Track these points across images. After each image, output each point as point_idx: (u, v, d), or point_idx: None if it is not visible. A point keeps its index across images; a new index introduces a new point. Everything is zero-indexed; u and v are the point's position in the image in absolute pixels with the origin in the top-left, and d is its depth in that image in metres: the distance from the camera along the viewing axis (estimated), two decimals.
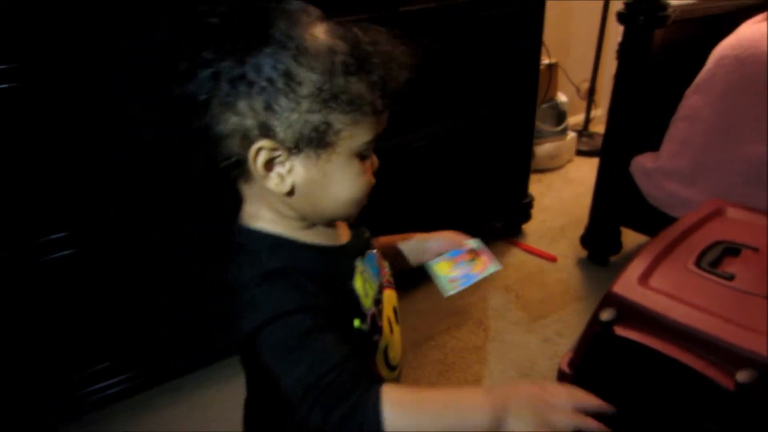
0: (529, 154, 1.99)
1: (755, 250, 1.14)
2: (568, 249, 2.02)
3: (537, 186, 2.42)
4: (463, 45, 1.60)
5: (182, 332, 1.37)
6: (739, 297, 1.03)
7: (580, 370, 1.15)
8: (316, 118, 0.53)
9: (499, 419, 0.50)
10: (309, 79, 0.52)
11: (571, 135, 2.71)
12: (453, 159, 1.74)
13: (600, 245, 1.92)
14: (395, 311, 0.73)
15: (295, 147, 0.54)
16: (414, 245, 0.84)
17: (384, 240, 0.82)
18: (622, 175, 1.76)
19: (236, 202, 0.65)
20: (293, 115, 0.53)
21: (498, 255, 2.01)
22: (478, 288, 1.81)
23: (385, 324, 0.68)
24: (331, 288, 0.59)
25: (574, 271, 1.92)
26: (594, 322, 1.10)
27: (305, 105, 0.52)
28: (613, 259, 1.93)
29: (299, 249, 0.61)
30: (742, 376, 0.91)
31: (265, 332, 0.53)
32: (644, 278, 1.08)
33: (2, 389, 1.20)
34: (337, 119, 0.54)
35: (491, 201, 1.96)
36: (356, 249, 0.69)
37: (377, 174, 0.65)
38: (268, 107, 0.52)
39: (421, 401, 0.52)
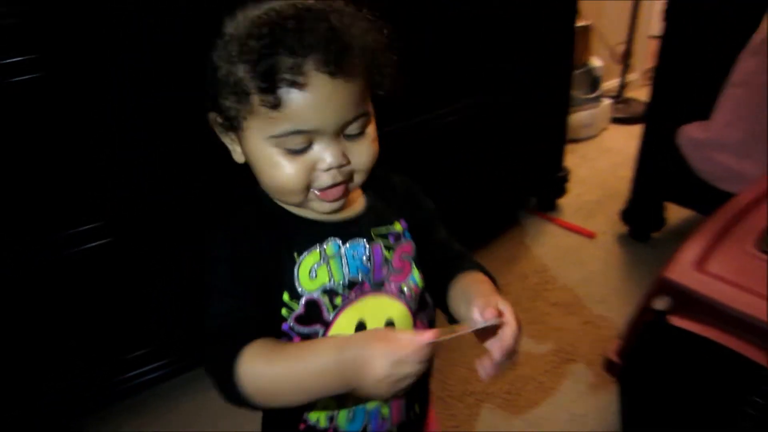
0: (564, 124, 1.90)
1: None
2: (606, 224, 1.93)
3: (571, 157, 2.31)
4: (494, 11, 1.50)
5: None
6: None
7: (631, 360, 1.09)
8: (223, 101, 0.56)
9: (350, 384, 0.51)
10: (215, 65, 0.55)
11: (606, 102, 2.59)
12: (485, 132, 1.66)
13: (642, 221, 1.83)
14: (391, 325, 0.64)
15: (227, 122, 0.58)
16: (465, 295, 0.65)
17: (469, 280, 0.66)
18: (667, 146, 1.65)
19: None
20: (218, 97, 0.56)
21: (533, 231, 1.96)
22: (514, 267, 1.75)
23: (349, 326, 0.62)
24: (271, 249, 0.60)
25: (613, 249, 1.84)
26: (646, 311, 1.04)
27: (218, 88, 0.56)
28: (656, 235, 1.85)
29: (261, 207, 0.63)
30: None
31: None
32: (701, 263, 1.01)
33: (41, 375, 1.19)
34: (233, 106, 0.55)
35: (525, 175, 1.88)
36: (342, 231, 0.63)
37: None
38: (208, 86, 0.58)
39: (275, 354, 0.53)
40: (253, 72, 0.51)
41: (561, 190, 2.00)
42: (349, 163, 0.57)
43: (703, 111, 1.57)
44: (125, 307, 1.24)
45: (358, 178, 0.60)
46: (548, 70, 1.73)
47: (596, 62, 2.51)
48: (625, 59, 2.73)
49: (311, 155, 0.56)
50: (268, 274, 0.59)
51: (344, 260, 0.62)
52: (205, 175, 1.19)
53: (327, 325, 0.61)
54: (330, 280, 0.61)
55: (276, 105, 0.52)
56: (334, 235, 0.62)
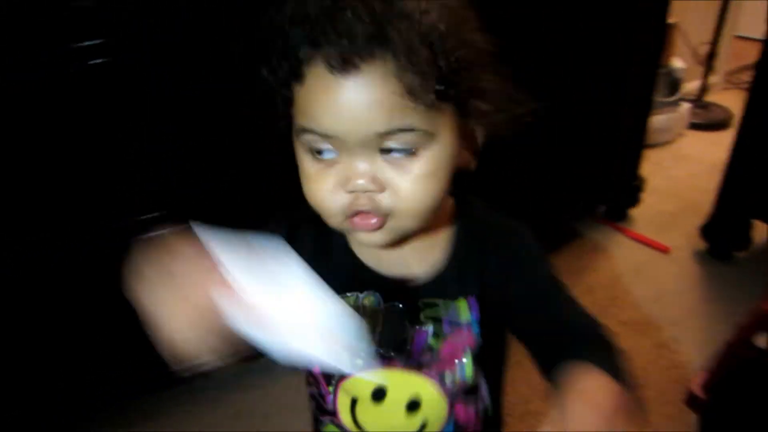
0: (644, 128, 1.76)
1: None
2: (682, 239, 1.80)
3: (644, 164, 2.18)
4: (576, 4, 1.40)
5: None
6: None
7: (719, 397, 0.99)
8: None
9: None
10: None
11: (685, 106, 2.42)
12: (559, 134, 1.56)
13: (724, 238, 1.69)
14: (416, 404, 0.56)
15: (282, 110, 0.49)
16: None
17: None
18: (761, 158, 1.51)
19: None
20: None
21: (601, 242, 1.85)
22: (580, 279, 1.65)
23: (366, 387, 0.56)
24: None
25: (689, 266, 1.70)
26: (742, 345, 0.93)
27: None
28: (739, 255, 1.70)
29: (320, 227, 0.51)
30: None
31: None
32: None
33: (100, 360, 1.19)
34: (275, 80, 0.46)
35: (597, 180, 1.76)
36: (389, 288, 0.53)
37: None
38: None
39: None
40: (266, 57, 0.45)
41: (634, 199, 1.88)
42: (382, 190, 0.44)
43: None
44: None
45: (399, 222, 0.46)
46: (633, 69, 1.61)
47: (677, 63, 2.34)
48: (709, 60, 2.54)
49: (339, 168, 0.45)
50: None
51: (380, 325, 0.53)
52: (234, 169, 1.16)
53: (340, 378, 0.57)
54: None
55: (287, 96, 0.45)
56: (380, 288, 0.53)
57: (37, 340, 1.12)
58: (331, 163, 0.45)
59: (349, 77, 0.41)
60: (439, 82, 0.41)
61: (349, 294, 0.53)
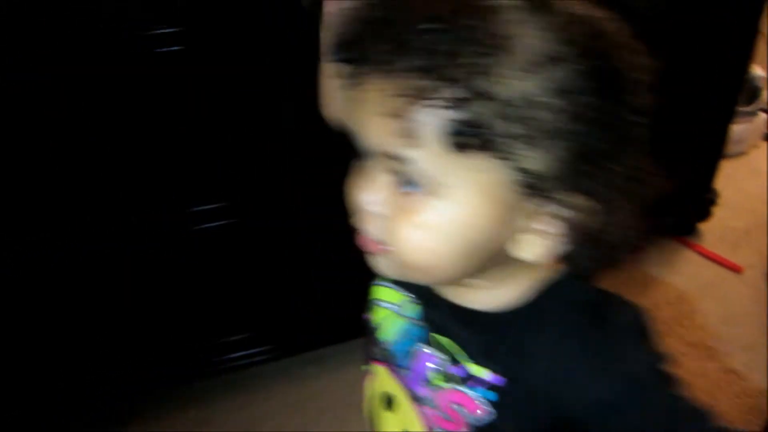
0: (723, 138, 1.67)
1: None
2: (755, 258, 1.70)
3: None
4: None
5: (330, 304, 1.31)
6: None
7: None
8: None
9: None
10: None
11: (762, 116, 2.29)
12: None
13: None
14: (388, 400, 0.53)
15: None
16: None
17: None
18: None
19: None
20: None
21: (667, 256, 1.76)
22: (644, 294, 1.58)
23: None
24: None
25: (763, 287, 1.61)
26: None
27: None
28: None
29: None
30: None
31: None
32: None
33: (143, 348, 1.20)
34: None
35: (667, 192, 1.68)
36: (421, 293, 0.49)
37: None
38: None
39: None
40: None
41: (705, 213, 1.78)
42: (386, 217, 0.40)
43: None
44: (234, 291, 1.22)
45: (399, 262, 0.41)
46: (718, 75, 1.52)
47: (758, 71, 2.21)
48: None
49: (364, 173, 0.42)
50: None
51: (402, 331, 0.51)
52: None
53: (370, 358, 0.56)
54: (376, 328, 0.54)
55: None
56: (420, 300, 0.50)
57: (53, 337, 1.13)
58: (363, 164, 0.42)
59: (361, 83, 0.38)
60: (467, 125, 0.34)
61: (405, 292, 0.51)
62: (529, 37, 0.34)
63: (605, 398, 0.41)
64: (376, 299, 0.53)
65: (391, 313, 0.52)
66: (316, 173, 1.14)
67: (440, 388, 0.46)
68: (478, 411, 0.44)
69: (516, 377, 0.43)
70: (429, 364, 0.47)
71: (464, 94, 0.33)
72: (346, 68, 0.38)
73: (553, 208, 0.38)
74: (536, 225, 0.39)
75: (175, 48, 0.93)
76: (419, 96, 0.34)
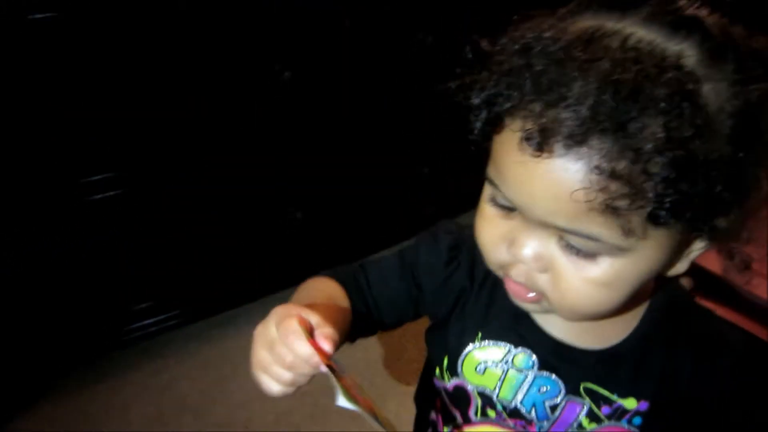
0: None
1: None
2: None
3: None
4: None
5: (234, 267, 1.36)
6: None
7: None
8: None
9: None
10: None
11: None
12: None
13: None
14: None
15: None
16: None
17: None
18: None
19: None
20: None
21: None
22: None
23: None
24: (455, 302, 0.50)
25: None
26: None
27: None
28: None
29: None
30: None
31: None
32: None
33: (44, 325, 1.21)
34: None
35: None
36: (547, 351, 0.47)
37: None
38: None
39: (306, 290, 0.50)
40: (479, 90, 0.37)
41: None
42: (543, 271, 0.38)
43: None
44: (136, 259, 1.25)
45: (560, 312, 0.41)
46: None
47: None
48: None
49: (513, 225, 0.39)
50: (433, 314, 0.52)
51: (527, 385, 0.47)
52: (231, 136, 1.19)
53: (466, 422, 0.51)
54: (494, 391, 0.48)
55: (478, 136, 0.38)
56: (537, 351, 0.47)
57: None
58: (508, 214, 0.39)
59: (541, 158, 0.33)
60: (666, 206, 0.32)
61: (501, 344, 0.48)
62: (716, 96, 0.32)
63: (739, 390, 0.45)
64: (480, 363, 0.49)
65: (510, 373, 0.48)
66: (209, 138, 1.19)
67: (590, 430, 0.47)
68: None
69: (656, 397, 0.45)
70: (581, 413, 0.46)
71: (666, 173, 0.31)
72: (532, 137, 0.33)
73: (709, 230, 0.36)
74: (694, 247, 0.39)
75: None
76: (615, 177, 0.31)
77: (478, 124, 0.37)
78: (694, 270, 1.03)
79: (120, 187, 1.13)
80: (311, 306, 0.41)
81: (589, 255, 0.36)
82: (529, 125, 0.33)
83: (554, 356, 0.46)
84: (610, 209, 0.32)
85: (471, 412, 0.50)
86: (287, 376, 0.37)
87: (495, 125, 0.36)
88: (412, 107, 1.41)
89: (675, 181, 0.31)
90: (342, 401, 0.36)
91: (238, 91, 1.19)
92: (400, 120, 1.43)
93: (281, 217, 1.37)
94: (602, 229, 0.34)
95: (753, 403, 0.45)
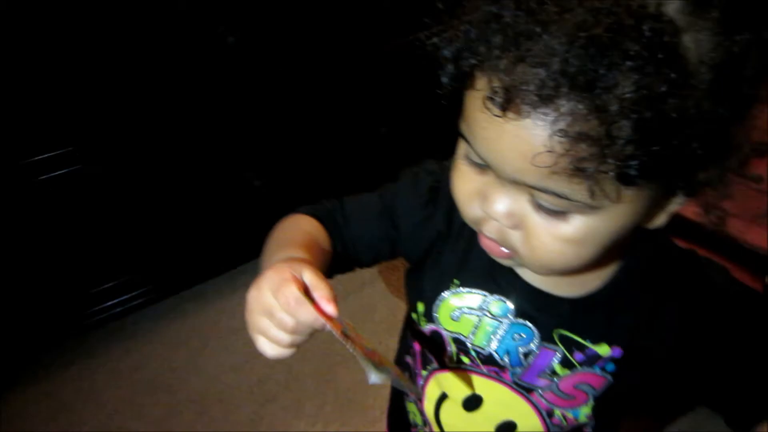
0: None
1: None
2: None
3: None
4: None
5: (199, 241, 1.35)
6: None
7: None
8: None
9: None
10: None
11: None
12: None
13: None
14: (508, 429, 0.53)
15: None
16: None
17: None
18: None
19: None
20: None
21: None
22: None
23: (459, 391, 0.53)
24: (434, 245, 0.49)
25: None
26: None
27: None
28: None
29: None
30: None
31: None
32: None
33: (10, 308, 1.18)
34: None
35: None
36: (524, 299, 0.47)
37: None
38: None
39: (283, 230, 0.49)
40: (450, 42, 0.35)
41: None
42: (514, 228, 0.38)
43: None
44: (95, 239, 1.22)
45: (533, 268, 0.41)
46: None
47: None
48: None
49: (486, 181, 0.39)
50: (408, 254, 0.52)
51: (500, 333, 0.48)
52: (181, 104, 1.15)
53: (441, 367, 0.52)
54: (468, 337, 0.49)
55: (449, 86, 0.36)
56: (513, 298, 0.47)
57: None
58: (481, 171, 0.39)
59: (507, 119, 0.32)
60: (634, 169, 0.31)
61: (477, 291, 0.48)
62: (696, 47, 0.30)
63: (727, 349, 0.46)
64: (455, 309, 0.49)
65: (485, 320, 0.48)
66: (156, 106, 1.15)
67: (564, 376, 0.47)
68: (601, 383, 0.48)
69: (630, 343, 0.46)
70: (554, 359, 0.47)
71: (634, 135, 0.29)
72: (496, 97, 0.31)
73: (688, 186, 0.36)
74: (672, 202, 0.38)
75: None
76: (582, 138, 0.30)
77: (446, 80, 0.35)
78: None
79: (71, 164, 1.10)
80: (300, 259, 0.40)
81: (561, 213, 0.35)
82: (495, 83, 0.32)
83: (530, 304, 0.47)
84: (577, 171, 0.31)
85: (446, 358, 0.52)
86: (287, 339, 0.37)
87: (463, 81, 0.35)
88: (367, 67, 1.39)
89: (643, 142, 0.29)
90: (372, 378, 0.36)
91: (184, 57, 1.15)
92: (356, 80, 1.41)
93: (239, 185, 1.35)
94: (571, 189, 0.33)
95: (743, 343, 0.45)
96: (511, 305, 0.47)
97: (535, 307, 0.47)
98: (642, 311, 0.46)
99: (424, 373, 0.55)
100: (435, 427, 0.57)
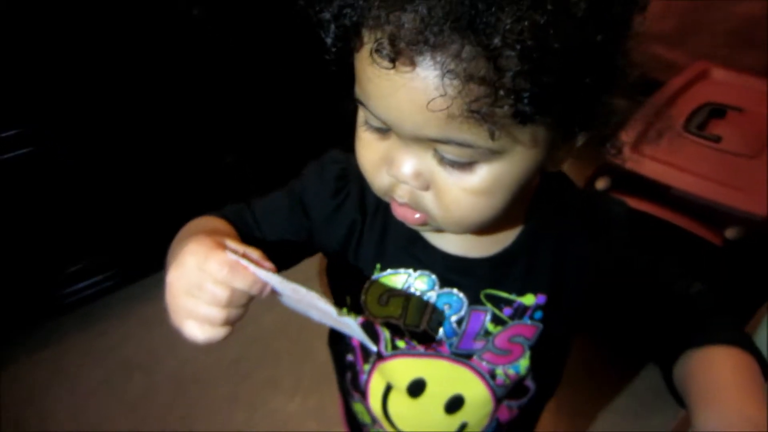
0: None
1: (740, 110, 1.15)
2: None
3: None
4: None
5: (166, 223, 1.33)
6: (727, 158, 1.05)
7: None
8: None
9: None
10: None
11: None
12: None
13: None
14: (457, 403, 0.53)
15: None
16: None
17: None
18: None
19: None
20: None
21: None
22: None
23: (404, 376, 0.52)
24: (350, 234, 0.48)
25: None
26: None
27: None
28: None
29: None
30: (730, 233, 0.94)
31: None
32: (636, 145, 1.09)
33: None
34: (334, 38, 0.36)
35: None
36: (449, 267, 0.47)
37: None
38: None
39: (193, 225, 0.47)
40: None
41: None
42: (425, 189, 0.38)
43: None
44: (62, 221, 1.20)
45: (446, 227, 0.40)
46: None
47: None
48: None
49: (389, 145, 0.38)
50: (325, 248, 0.50)
51: (430, 306, 0.48)
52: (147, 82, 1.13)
53: (379, 358, 0.52)
54: (400, 318, 0.49)
55: (333, 53, 0.35)
56: (436, 270, 0.47)
57: None
58: (384, 135, 0.38)
59: (396, 70, 0.32)
60: (526, 101, 0.30)
61: (401, 270, 0.48)
62: None
63: (635, 278, 0.47)
64: (382, 294, 0.49)
65: (413, 297, 0.48)
66: (123, 83, 1.13)
67: (497, 333, 0.48)
68: (533, 332, 0.48)
69: (552, 288, 0.47)
70: (485, 319, 0.47)
71: (520, 67, 0.29)
72: (382, 49, 0.31)
73: (583, 120, 0.36)
74: (570, 144, 0.39)
75: None
76: (473, 79, 0.30)
77: (330, 41, 0.34)
78: (611, 170, 1.12)
79: (31, 144, 1.07)
80: (215, 234, 0.38)
81: (466, 165, 0.35)
82: (379, 35, 0.31)
83: (451, 271, 0.47)
84: (473, 113, 0.31)
85: (382, 347, 0.51)
86: (221, 315, 0.35)
87: (347, 41, 0.34)
88: None
89: (531, 73, 0.29)
90: (336, 316, 0.35)
91: (147, 31, 1.12)
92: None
93: (209, 165, 1.34)
94: (471, 135, 0.33)
95: (647, 267, 0.47)
96: (434, 276, 0.47)
97: (457, 273, 0.47)
98: (557, 255, 0.47)
99: (366, 368, 0.54)
100: (385, 423, 0.56)
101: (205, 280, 0.34)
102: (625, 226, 0.48)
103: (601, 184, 1.08)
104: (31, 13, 0.99)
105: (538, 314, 0.48)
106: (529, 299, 0.47)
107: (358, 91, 0.37)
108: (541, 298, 0.48)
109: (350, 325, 0.36)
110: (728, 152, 1.05)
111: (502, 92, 0.30)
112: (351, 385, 0.57)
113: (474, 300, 0.47)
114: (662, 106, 1.17)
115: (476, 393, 0.51)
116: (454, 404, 0.52)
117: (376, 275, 0.48)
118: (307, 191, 0.49)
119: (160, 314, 1.25)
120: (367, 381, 0.55)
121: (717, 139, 1.08)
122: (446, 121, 0.32)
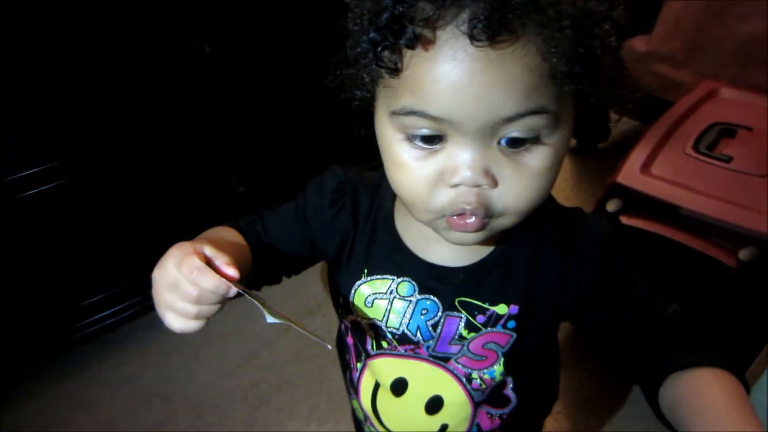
0: None
1: (750, 129, 1.15)
2: None
3: None
4: None
5: None
6: (738, 178, 1.05)
7: None
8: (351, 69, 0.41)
9: None
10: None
11: None
12: None
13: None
14: (437, 404, 0.55)
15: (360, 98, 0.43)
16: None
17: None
18: None
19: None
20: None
21: None
22: None
23: (388, 374, 0.56)
24: (344, 243, 0.53)
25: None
26: (599, 213, 1.12)
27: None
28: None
29: (376, 195, 0.53)
30: (744, 254, 0.94)
31: None
32: (646, 167, 1.09)
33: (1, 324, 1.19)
34: (356, 71, 0.40)
35: None
36: (427, 275, 0.50)
37: None
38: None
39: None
40: (376, 17, 0.35)
41: None
42: (494, 185, 0.38)
43: (646, 25, 1.62)
44: (82, 252, 1.23)
45: (504, 221, 0.41)
46: None
47: None
48: None
49: (443, 156, 0.38)
50: (325, 254, 0.55)
51: (410, 311, 0.51)
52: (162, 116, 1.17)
53: (367, 356, 0.56)
54: (383, 320, 0.52)
55: (392, 67, 0.36)
56: (416, 277, 0.51)
57: None
58: (433, 152, 0.38)
59: (496, 47, 0.33)
60: (580, 66, 0.34)
61: (386, 276, 0.52)
62: None
63: (614, 295, 0.48)
64: (367, 296, 0.53)
65: (394, 302, 0.52)
66: (141, 118, 1.16)
67: (471, 338, 0.50)
68: (506, 340, 0.50)
69: (525, 300, 0.49)
70: (459, 324, 0.50)
71: (581, 40, 0.34)
72: (483, 22, 0.32)
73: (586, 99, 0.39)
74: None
75: None
76: (562, 54, 0.34)
77: (386, 53, 0.35)
78: (621, 192, 1.12)
79: (55, 179, 1.11)
80: (205, 240, 0.44)
81: (528, 145, 0.37)
82: (469, 14, 0.33)
83: (430, 279, 0.50)
84: (553, 78, 0.34)
85: (368, 346, 0.55)
86: (193, 310, 0.40)
87: (413, 45, 0.34)
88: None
89: (582, 37, 0.34)
90: (269, 319, 0.40)
91: (165, 69, 1.16)
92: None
93: (224, 193, 1.36)
94: (546, 100, 0.35)
95: (622, 287, 0.48)
96: (414, 284, 0.51)
97: (435, 280, 0.50)
98: (531, 267, 0.49)
99: (359, 365, 0.58)
100: (374, 421, 0.60)
101: (180, 280, 0.39)
102: (604, 246, 0.48)
103: (611, 206, 1.08)
104: (52, 55, 1.03)
105: (511, 323, 0.50)
106: (502, 309, 0.49)
107: (409, 101, 0.36)
108: (514, 309, 0.49)
109: (288, 325, 0.41)
110: (740, 171, 1.05)
111: (572, 57, 0.34)
112: (349, 383, 0.62)
113: (449, 306, 0.50)
114: (671, 127, 1.17)
115: (454, 395, 0.54)
116: (434, 405, 0.55)
117: (363, 279, 0.53)
118: (309, 203, 0.55)
119: (178, 342, 1.28)
120: (359, 378, 0.59)
121: (728, 159, 1.08)
122: (535, 89, 0.34)
